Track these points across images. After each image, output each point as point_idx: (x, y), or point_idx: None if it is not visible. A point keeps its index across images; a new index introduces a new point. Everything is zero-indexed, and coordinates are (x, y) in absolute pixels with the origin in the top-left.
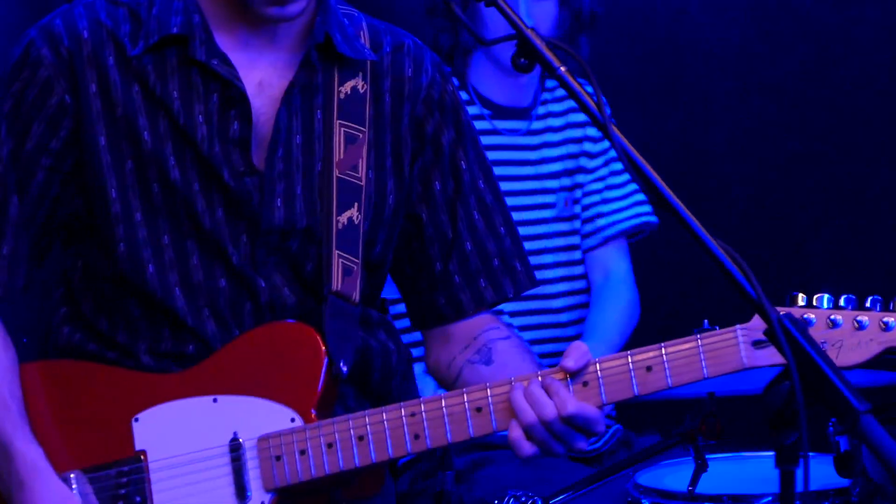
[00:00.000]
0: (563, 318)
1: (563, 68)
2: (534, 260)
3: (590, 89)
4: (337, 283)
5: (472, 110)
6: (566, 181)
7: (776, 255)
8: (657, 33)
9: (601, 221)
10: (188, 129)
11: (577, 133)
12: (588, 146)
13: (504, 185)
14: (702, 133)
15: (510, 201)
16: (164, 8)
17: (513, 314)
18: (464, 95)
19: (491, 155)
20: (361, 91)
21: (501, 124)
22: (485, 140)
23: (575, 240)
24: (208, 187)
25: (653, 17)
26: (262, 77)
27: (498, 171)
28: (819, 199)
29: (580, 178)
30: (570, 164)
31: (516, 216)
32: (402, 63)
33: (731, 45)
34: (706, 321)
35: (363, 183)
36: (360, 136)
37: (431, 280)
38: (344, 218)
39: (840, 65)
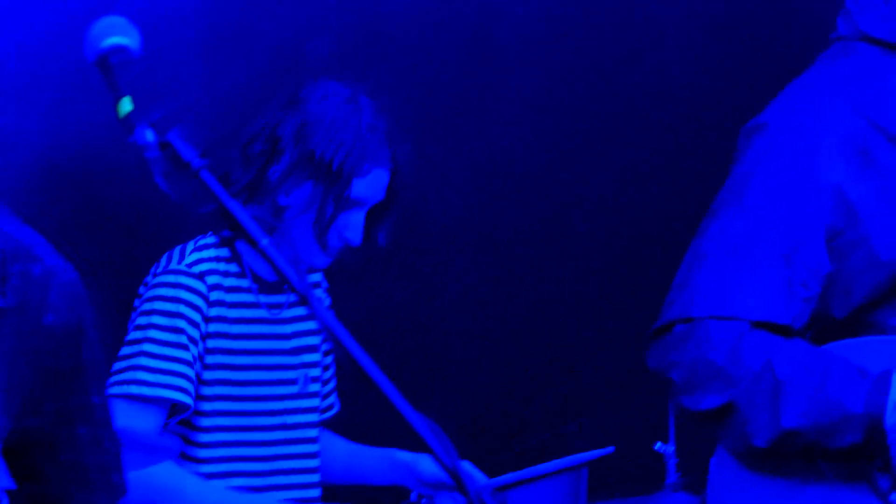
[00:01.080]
0: None
1: (265, 241)
2: (276, 435)
3: None
4: None
5: (242, 283)
6: (313, 357)
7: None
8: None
9: (330, 400)
10: None
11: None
12: None
13: (258, 360)
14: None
15: (261, 375)
16: None
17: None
18: (235, 267)
19: (251, 329)
20: None
21: (265, 299)
22: (248, 313)
23: (314, 417)
24: None
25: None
26: None
27: (255, 344)
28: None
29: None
30: (316, 339)
31: (263, 391)
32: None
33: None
34: (659, 442)
35: None
36: None
37: None
38: None
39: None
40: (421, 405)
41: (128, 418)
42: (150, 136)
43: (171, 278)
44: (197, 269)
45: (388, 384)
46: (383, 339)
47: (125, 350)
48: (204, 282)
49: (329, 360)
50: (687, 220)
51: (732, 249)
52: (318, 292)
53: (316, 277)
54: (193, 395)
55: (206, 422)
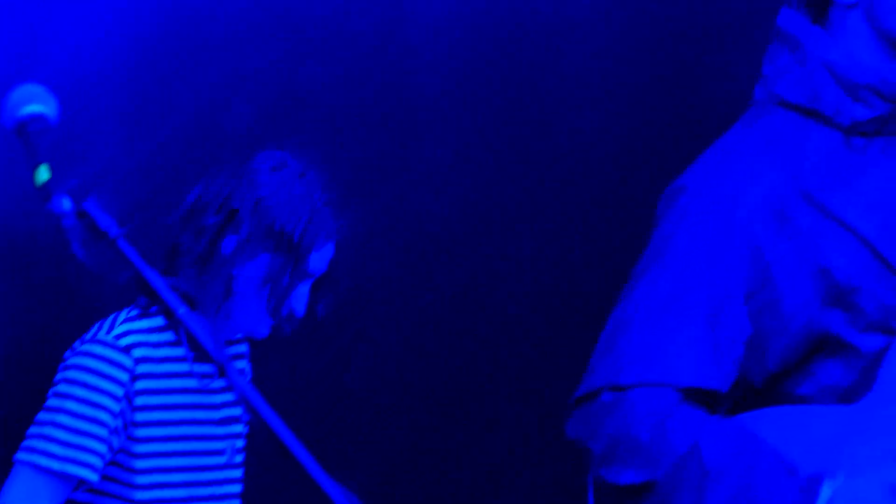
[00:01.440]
0: None
1: (181, 310)
2: None
3: None
4: None
5: (177, 352)
6: (239, 428)
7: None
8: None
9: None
10: None
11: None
12: None
13: (187, 430)
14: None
15: (190, 446)
16: None
17: None
18: (171, 336)
19: (182, 399)
20: None
21: (199, 368)
22: (179, 383)
23: (238, 488)
24: None
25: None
26: None
27: (185, 415)
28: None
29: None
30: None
31: (192, 461)
32: None
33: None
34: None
35: None
36: None
37: None
38: None
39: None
40: (338, 474)
41: (29, 488)
42: (66, 204)
43: (97, 349)
44: (124, 341)
45: (305, 454)
46: (303, 408)
47: (41, 416)
48: (130, 355)
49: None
50: (609, 284)
51: (657, 314)
52: (242, 363)
53: (241, 348)
54: (101, 471)
55: (140, 480)
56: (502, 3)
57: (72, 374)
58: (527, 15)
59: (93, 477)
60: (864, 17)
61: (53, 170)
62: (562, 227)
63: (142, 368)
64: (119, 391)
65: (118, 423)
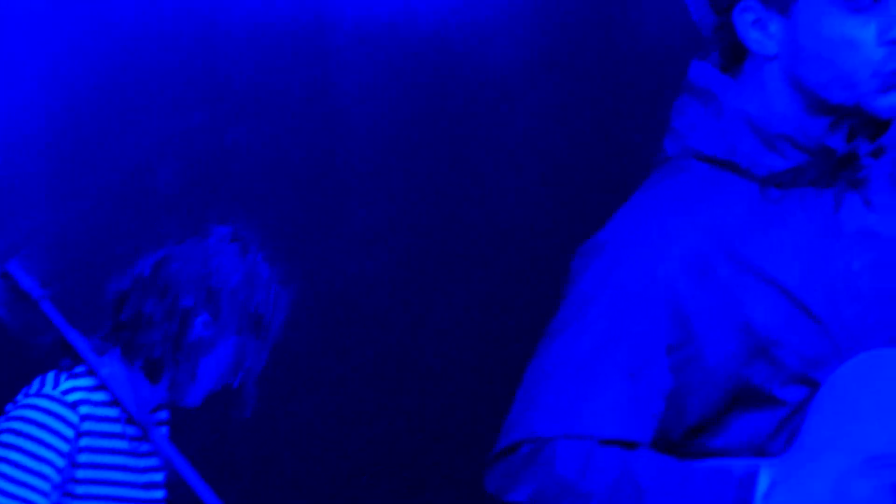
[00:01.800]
0: None
1: (105, 371)
2: None
3: None
4: None
5: (111, 412)
6: (158, 494)
7: None
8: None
9: None
10: None
11: None
12: None
13: (117, 492)
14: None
15: None
16: None
17: None
18: (106, 396)
19: (114, 460)
20: None
21: (130, 430)
22: (113, 444)
23: None
24: None
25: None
26: None
27: (116, 476)
28: None
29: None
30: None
31: None
32: None
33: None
34: None
35: None
36: None
37: None
38: None
39: None
40: None
41: None
42: None
43: (44, 403)
44: (71, 397)
45: None
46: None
47: None
48: (76, 412)
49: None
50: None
51: (578, 368)
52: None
53: (163, 414)
54: None
55: None
56: (428, 68)
57: (17, 425)
58: (454, 80)
59: None
60: (783, 69)
61: None
62: (487, 286)
63: (86, 426)
64: (65, 447)
65: (60, 478)
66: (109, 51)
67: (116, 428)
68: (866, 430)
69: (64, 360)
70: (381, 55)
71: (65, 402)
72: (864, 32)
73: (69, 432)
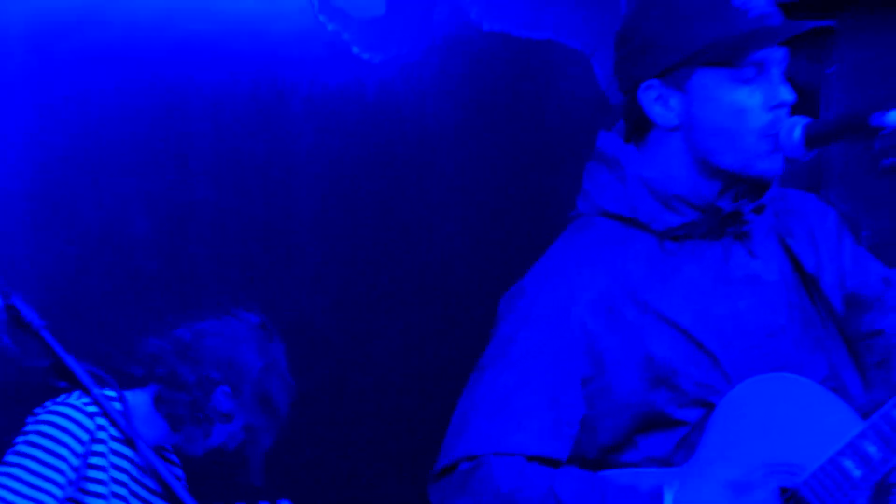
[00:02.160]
0: None
1: (96, 391)
2: None
3: None
4: None
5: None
6: None
7: None
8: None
9: None
10: None
11: None
12: None
13: (119, 492)
14: None
15: None
16: None
17: None
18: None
19: (122, 476)
20: None
21: (138, 458)
22: (123, 464)
23: None
24: None
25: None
26: None
27: (119, 489)
28: None
29: None
30: None
31: None
32: None
33: None
34: None
35: None
36: None
37: None
38: None
39: None
40: None
41: None
42: None
43: (66, 410)
44: (90, 409)
45: None
46: None
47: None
48: (93, 420)
49: None
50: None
51: (506, 396)
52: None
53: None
54: None
55: None
56: (371, 130)
57: (42, 427)
58: (394, 141)
59: None
60: (683, 139)
61: None
62: (421, 318)
63: (100, 434)
64: (79, 448)
65: (74, 475)
66: (91, 118)
67: (130, 451)
68: (754, 444)
69: (61, 382)
70: (330, 120)
71: (84, 411)
72: (752, 100)
73: (84, 436)
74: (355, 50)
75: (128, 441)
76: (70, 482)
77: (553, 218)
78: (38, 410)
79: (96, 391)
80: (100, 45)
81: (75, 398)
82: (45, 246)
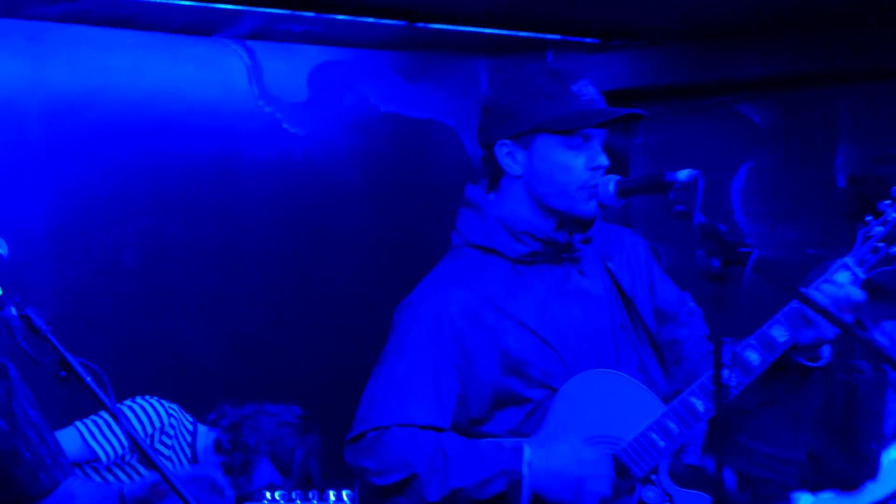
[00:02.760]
0: None
1: (88, 379)
2: None
3: None
4: None
5: (181, 441)
6: None
7: None
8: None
9: None
10: None
11: None
12: None
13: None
14: None
15: None
16: None
17: None
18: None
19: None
20: None
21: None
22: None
23: None
24: None
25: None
26: None
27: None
28: None
29: None
30: None
31: None
32: None
33: None
34: None
35: None
36: None
37: None
38: None
39: None
40: None
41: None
42: (13, 310)
43: (152, 401)
44: (170, 408)
45: None
46: None
47: None
48: (168, 413)
49: None
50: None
51: (401, 381)
52: None
53: None
54: None
55: None
56: (301, 187)
57: (126, 409)
58: (317, 196)
59: None
60: (524, 185)
61: (4, 289)
62: (340, 322)
63: (168, 429)
64: (150, 430)
65: (126, 451)
66: (94, 175)
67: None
68: (587, 420)
69: (62, 373)
70: (268, 178)
71: (165, 407)
72: (576, 161)
73: (157, 423)
74: (285, 126)
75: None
76: (126, 451)
77: (431, 250)
78: (136, 397)
79: (88, 379)
80: (98, 120)
81: (156, 399)
82: (60, 271)
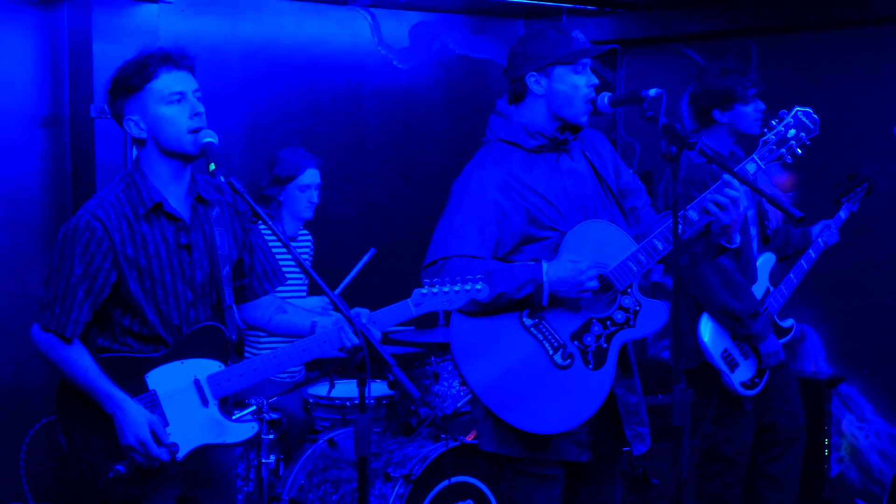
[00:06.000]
0: None
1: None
2: None
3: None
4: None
5: None
6: None
7: None
8: None
9: None
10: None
11: None
12: None
13: None
14: None
15: None
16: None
17: None
18: None
19: None
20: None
21: None
22: None
23: None
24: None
25: None
26: None
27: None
28: None
29: None
30: None
31: None
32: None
33: None
34: None
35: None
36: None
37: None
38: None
39: None
40: None
41: None
42: (222, 178)
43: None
44: None
45: None
46: None
47: None
48: None
49: None
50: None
51: (458, 228)
52: None
53: None
54: None
55: None
56: (402, 108)
57: None
58: (412, 114)
59: None
60: (545, 101)
61: (216, 164)
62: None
63: None
64: None
65: None
66: (269, 97)
67: None
68: (587, 251)
69: (253, 219)
70: (383, 97)
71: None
72: (580, 81)
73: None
74: (395, 63)
75: None
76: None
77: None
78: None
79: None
80: (274, 61)
81: None
82: (249, 154)
